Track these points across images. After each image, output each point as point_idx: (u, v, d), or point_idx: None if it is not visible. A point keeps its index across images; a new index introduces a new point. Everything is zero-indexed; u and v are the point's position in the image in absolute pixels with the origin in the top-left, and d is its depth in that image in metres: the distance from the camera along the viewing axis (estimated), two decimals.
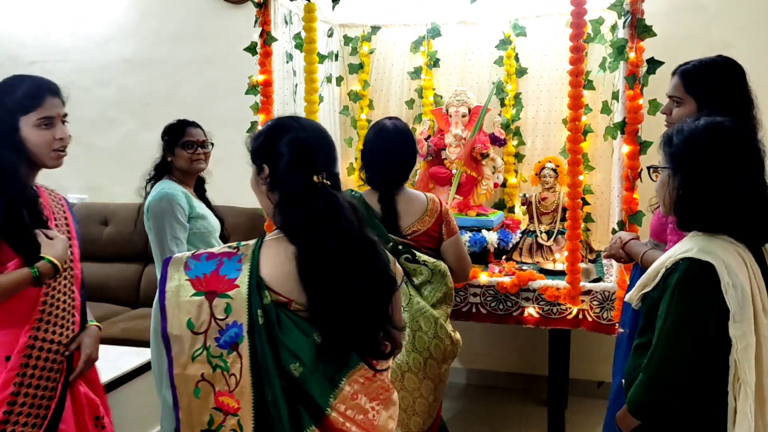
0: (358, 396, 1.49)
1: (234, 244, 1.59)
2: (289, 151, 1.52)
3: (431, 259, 2.53)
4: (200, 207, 2.80)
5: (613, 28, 3.26)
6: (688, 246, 1.62)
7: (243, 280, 1.49)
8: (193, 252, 1.59)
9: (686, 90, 2.09)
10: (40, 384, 1.83)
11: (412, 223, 2.56)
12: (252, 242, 1.57)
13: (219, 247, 1.60)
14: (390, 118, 2.72)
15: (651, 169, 1.77)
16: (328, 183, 1.54)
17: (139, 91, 4.65)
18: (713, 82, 2.04)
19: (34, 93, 1.88)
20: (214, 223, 2.83)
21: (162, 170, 2.82)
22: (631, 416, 1.71)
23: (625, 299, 1.82)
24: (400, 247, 2.52)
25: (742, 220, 1.62)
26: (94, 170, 4.73)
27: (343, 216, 1.52)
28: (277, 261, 1.51)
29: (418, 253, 2.53)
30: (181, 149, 2.78)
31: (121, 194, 4.53)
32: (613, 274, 2.90)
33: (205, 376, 1.48)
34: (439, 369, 2.51)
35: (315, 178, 1.52)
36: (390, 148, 2.59)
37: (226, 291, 1.49)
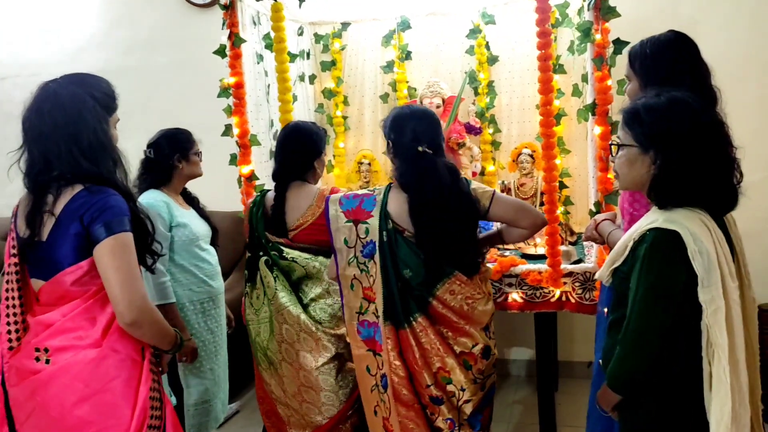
0: (455, 293, 2.16)
1: (372, 189, 2.34)
2: (398, 130, 2.23)
3: (302, 256, 2.57)
4: (182, 216, 2.78)
5: (580, 11, 3.28)
6: (654, 217, 1.65)
7: (376, 212, 2.21)
8: (344, 193, 2.36)
9: (631, 67, 2.14)
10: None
11: (297, 218, 2.60)
12: (383, 188, 2.29)
13: (361, 191, 2.35)
14: (302, 121, 2.85)
15: (617, 147, 1.77)
16: (430, 151, 2.18)
17: None
18: (654, 57, 2.07)
19: (113, 91, 1.93)
20: (199, 230, 2.81)
21: (164, 177, 2.80)
22: (612, 392, 1.73)
23: (596, 276, 1.84)
24: (270, 244, 2.60)
25: (713, 193, 1.65)
26: None
27: (438, 175, 2.16)
28: (397, 203, 2.22)
29: (286, 250, 2.58)
30: (197, 157, 2.85)
31: None
32: (593, 254, 2.93)
33: (356, 275, 2.24)
34: (315, 363, 2.53)
35: (419, 148, 2.18)
36: (284, 145, 2.67)
37: (366, 219, 2.22)
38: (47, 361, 1.72)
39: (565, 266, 2.91)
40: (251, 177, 3.13)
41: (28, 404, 1.73)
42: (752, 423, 1.71)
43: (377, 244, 2.18)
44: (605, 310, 2.31)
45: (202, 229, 2.84)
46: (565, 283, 2.89)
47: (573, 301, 2.90)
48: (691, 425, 1.61)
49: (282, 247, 2.59)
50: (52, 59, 4.70)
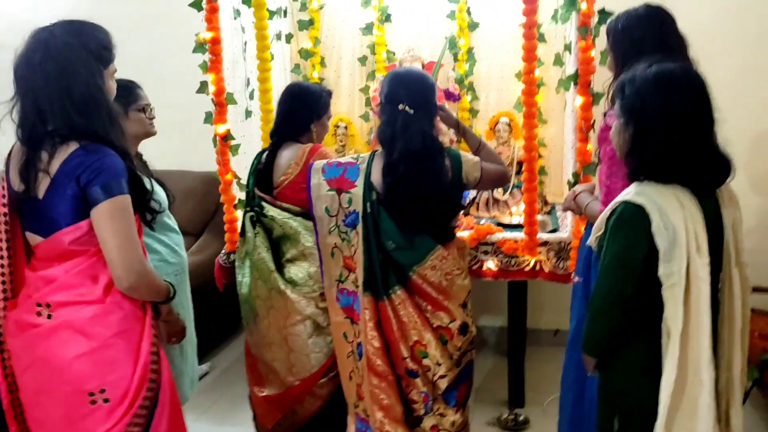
0: (435, 268, 2.14)
1: (355, 156, 2.30)
2: (387, 89, 2.22)
3: (281, 215, 2.57)
4: (148, 182, 2.31)
5: None
6: (628, 190, 1.69)
7: (360, 182, 2.17)
8: (327, 161, 2.29)
9: (608, 41, 2.19)
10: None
11: (280, 175, 2.62)
12: (366, 156, 2.24)
13: (344, 158, 2.28)
14: (305, 82, 2.88)
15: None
16: (411, 111, 2.14)
17: None
18: (624, 32, 2.12)
19: (109, 41, 1.86)
20: (163, 197, 2.47)
21: None
22: (586, 354, 1.80)
23: (587, 243, 1.90)
24: (255, 200, 2.62)
25: (692, 169, 1.66)
26: None
27: (411, 134, 2.12)
28: (378, 172, 2.17)
29: (267, 207, 2.59)
30: (141, 113, 2.42)
31: None
32: (568, 225, 2.96)
33: (337, 244, 2.23)
34: (284, 321, 2.55)
35: (399, 106, 2.15)
36: (282, 105, 2.70)
37: (349, 189, 2.19)
38: (49, 316, 1.71)
39: (541, 235, 2.94)
40: (227, 136, 3.05)
41: (26, 356, 1.72)
42: (727, 398, 1.76)
43: (360, 214, 2.16)
44: (580, 278, 2.35)
45: (164, 196, 2.50)
46: (539, 252, 2.92)
47: (547, 270, 2.94)
48: (657, 389, 1.66)
49: (264, 204, 2.60)
50: (18, 7, 4.51)
